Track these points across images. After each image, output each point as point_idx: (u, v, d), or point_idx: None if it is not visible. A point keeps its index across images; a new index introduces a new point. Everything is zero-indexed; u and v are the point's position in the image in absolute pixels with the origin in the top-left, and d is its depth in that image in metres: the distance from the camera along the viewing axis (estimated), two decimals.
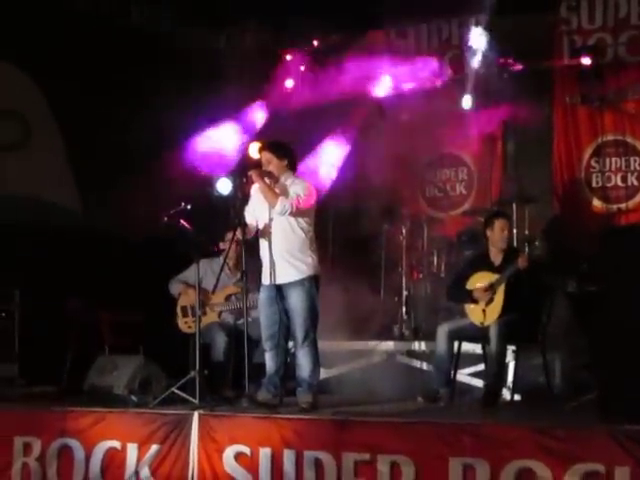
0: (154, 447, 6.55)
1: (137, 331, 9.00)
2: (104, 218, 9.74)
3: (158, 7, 10.32)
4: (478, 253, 7.93)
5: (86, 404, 7.16)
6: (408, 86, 10.12)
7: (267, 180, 7.01)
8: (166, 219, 7.62)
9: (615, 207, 9.68)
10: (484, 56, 9.71)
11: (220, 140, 10.17)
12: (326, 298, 7.40)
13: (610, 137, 9.76)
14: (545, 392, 7.46)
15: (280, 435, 6.22)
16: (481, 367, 7.81)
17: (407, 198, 10.24)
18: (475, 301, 7.38)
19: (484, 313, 7.32)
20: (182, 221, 7.59)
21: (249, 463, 6.28)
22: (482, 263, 7.54)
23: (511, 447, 5.61)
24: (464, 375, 7.96)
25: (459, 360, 7.52)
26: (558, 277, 8.27)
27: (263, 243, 7.07)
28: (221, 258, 7.70)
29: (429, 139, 9.88)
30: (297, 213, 6.93)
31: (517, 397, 7.50)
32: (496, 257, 7.53)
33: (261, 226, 7.08)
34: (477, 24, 10.30)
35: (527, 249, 7.85)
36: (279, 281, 6.96)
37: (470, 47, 9.68)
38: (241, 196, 7.21)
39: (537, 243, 7.38)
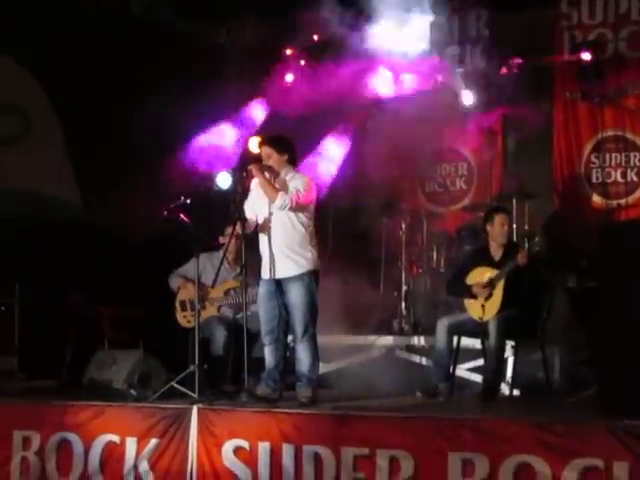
0: (153, 441, 6.55)
1: (137, 325, 9.00)
2: (104, 212, 9.73)
3: (158, 1, 10.30)
4: (478, 248, 7.93)
5: (85, 398, 7.15)
6: (408, 81, 10.08)
7: (267, 175, 7.00)
8: (166, 213, 7.60)
9: (615, 203, 9.66)
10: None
11: (219, 138, 10.16)
12: (325, 293, 7.39)
13: (610, 133, 9.74)
14: (544, 387, 7.46)
15: (279, 429, 6.23)
16: (480, 362, 7.81)
17: (407, 193, 10.24)
18: (474, 296, 7.38)
19: (483, 308, 7.32)
20: (182, 215, 7.57)
21: (248, 457, 6.28)
22: (482, 258, 7.54)
23: (510, 442, 5.61)
24: (463, 370, 7.96)
25: (458, 355, 7.51)
26: (558, 272, 8.26)
27: (263, 238, 7.07)
28: (221, 252, 7.69)
29: (429, 134, 9.86)
30: (297, 208, 6.93)
31: (516, 392, 7.50)
32: (496, 252, 7.52)
33: (261, 221, 7.07)
34: (478, 19, 10.34)
35: (527, 244, 7.83)
36: (279, 276, 6.96)
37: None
38: (241, 190, 7.20)
39: (537, 239, 7.37)
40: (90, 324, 9.07)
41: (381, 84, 10.18)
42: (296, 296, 6.89)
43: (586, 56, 9.56)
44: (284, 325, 7.03)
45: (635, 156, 9.66)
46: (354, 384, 8.12)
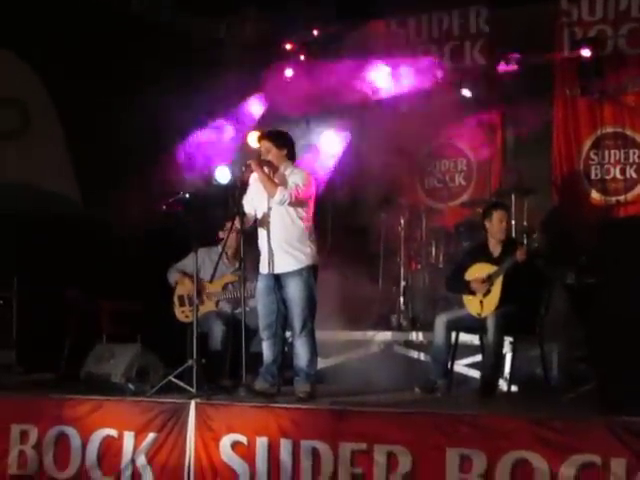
0: (151, 435, 6.55)
1: (135, 320, 8.99)
2: (103, 207, 9.71)
3: None
4: (477, 244, 7.91)
5: (83, 392, 7.15)
6: (407, 77, 10.06)
7: (266, 169, 6.98)
8: (164, 208, 7.58)
9: (614, 199, 9.65)
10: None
11: (217, 134, 10.15)
12: (324, 288, 7.38)
13: (609, 129, 9.72)
14: (542, 383, 7.45)
15: (277, 424, 6.22)
16: (478, 358, 7.80)
17: (406, 189, 10.23)
18: (473, 292, 7.37)
19: (481, 304, 7.30)
20: (180, 210, 7.56)
21: (246, 452, 6.28)
22: (481, 254, 7.52)
23: (508, 438, 5.60)
24: (461, 366, 7.93)
25: (457, 351, 7.50)
26: (556, 269, 8.24)
27: (261, 232, 7.05)
28: (219, 247, 7.68)
29: (428, 130, 9.85)
30: (296, 203, 6.91)
31: (514, 388, 7.48)
32: (495, 248, 7.51)
33: (260, 216, 7.05)
34: (478, 15, 10.32)
35: (526, 241, 7.82)
36: (277, 270, 6.94)
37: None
38: (240, 185, 7.18)
39: (535, 235, 7.35)
40: (88, 318, 9.07)
41: (380, 80, 10.15)
42: (295, 291, 6.87)
43: (586, 53, 9.53)
44: (282, 320, 7.01)
45: (634, 153, 9.64)
46: (352, 379, 8.11)
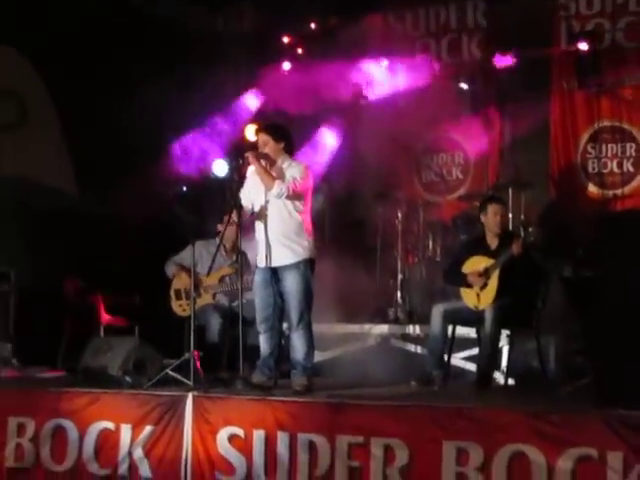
0: (148, 428, 6.54)
1: (133, 312, 8.98)
2: (101, 200, 9.70)
3: None
4: (474, 237, 7.90)
5: (80, 385, 7.13)
6: (404, 71, 10.05)
7: (264, 163, 6.96)
8: (163, 200, 7.57)
9: (611, 193, 9.63)
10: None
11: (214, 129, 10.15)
12: (321, 281, 7.37)
13: (607, 123, 9.70)
14: (539, 377, 7.43)
15: (274, 417, 6.21)
16: (475, 351, 7.78)
17: (403, 182, 10.22)
18: (470, 285, 7.36)
19: (478, 297, 7.29)
20: (178, 203, 7.55)
21: (243, 445, 6.26)
22: (478, 247, 7.51)
23: (505, 431, 5.59)
24: (458, 359, 7.93)
25: (453, 343, 7.49)
26: (553, 262, 8.23)
27: (259, 226, 7.03)
28: (217, 240, 7.66)
29: (426, 123, 9.84)
30: (293, 196, 6.88)
31: (511, 381, 7.47)
32: (492, 241, 7.49)
33: (257, 209, 7.03)
34: (475, 9, 10.30)
35: (523, 234, 7.80)
36: (275, 264, 6.93)
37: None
38: (237, 178, 7.15)
39: (532, 229, 7.34)
40: (86, 311, 9.04)
41: (377, 73, 10.13)
42: (292, 284, 6.86)
43: (583, 46, 9.51)
44: (279, 313, 7.00)
45: (631, 146, 9.62)
46: (349, 372, 8.10)
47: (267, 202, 6.94)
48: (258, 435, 6.22)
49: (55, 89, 10.20)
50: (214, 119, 10.25)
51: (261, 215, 6.98)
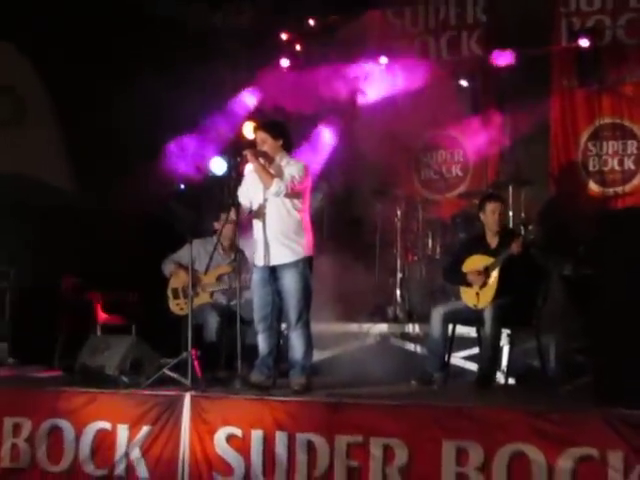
0: (145, 428, 6.52)
1: (130, 311, 8.97)
2: (98, 197, 9.69)
3: None
4: (474, 235, 7.89)
5: (77, 384, 7.11)
6: (403, 68, 10.03)
7: (262, 160, 6.93)
8: (160, 198, 7.56)
9: (612, 191, 9.63)
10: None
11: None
12: (320, 280, 7.35)
13: (607, 120, 9.70)
14: (539, 376, 7.43)
15: (272, 417, 6.20)
16: (475, 350, 7.77)
17: (402, 179, 10.21)
18: (470, 284, 7.34)
19: (478, 296, 7.28)
20: (175, 200, 7.54)
21: (241, 445, 6.25)
22: (478, 245, 7.49)
23: (505, 430, 5.59)
24: (458, 358, 7.92)
25: (453, 343, 7.48)
26: (554, 260, 8.22)
27: (257, 224, 7.01)
28: (215, 238, 7.65)
29: (424, 120, 9.82)
30: (292, 194, 6.87)
31: (511, 380, 7.47)
32: (492, 240, 7.48)
33: (255, 207, 7.01)
34: (475, 5, 10.29)
35: (523, 232, 7.79)
36: (273, 262, 6.91)
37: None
38: (235, 176, 7.14)
39: (531, 227, 7.32)
40: (83, 309, 9.03)
41: (375, 70, 10.12)
42: (290, 283, 6.84)
43: (584, 43, 9.52)
44: (278, 312, 6.98)
45: (632, 144, 9.64)
46: (348, 372, 8.08)
47: (265, 200, 6.92)
48: (256, 435, 6.21)
49: (53, 86, 10.19)
50: (212, 117, 10.22)
51: (259, 213, 6.96)
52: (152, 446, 6.48)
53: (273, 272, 6.93)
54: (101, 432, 6.64)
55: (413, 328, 8.45)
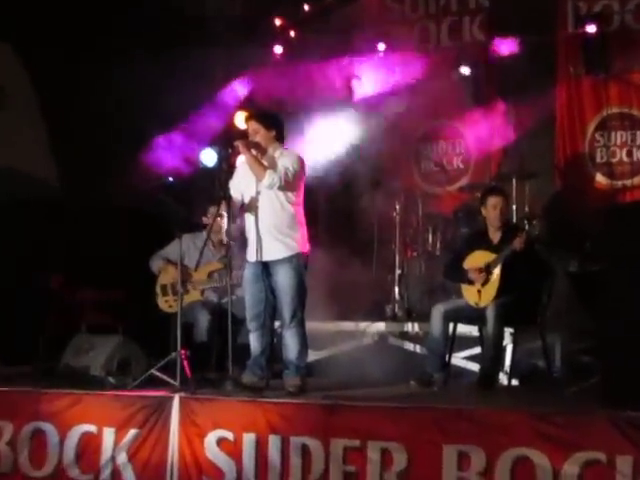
0: (132, 431, 6.53)
1: (116, 309, 8.95)
2: (83, 191, 9.68)
3: None
4: (476, 231, 7.90)
5: (61, 386, 7.10)
6: (401, 55, 10.03)
7: (254, 152, 6.93)
8: (148, 192, 7.55)
9: (620, 183, 9.63)
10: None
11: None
12: (315, 276, 7.35)
13: (615, 110, 9.69)
14: (544, 376, 7.45)
15: (265, 420, 6.20)
16: (477, 350, 7.79)
17: (401, 172, 10.20)
18: (471, 281, 7.35)
19: (479, 294, 7.29)
20: (164, 194, 7.53)
21: (232, 449, 6.26)
22: (480, 241, 7.50)
23: (508, 434, 5.60)
24: (459, 359, 7.93)
25: (454, 342, 7.48)
26: (559, 256, 8.23)
27: (249, 218, 7.01)
28: (204, 233, 7.65)
29: (424, 110, 9.82)
30: (286, 187, 6.86)
31: (515, 382, 7.49)
32: (494, 235, 7.49)
33: (247, 200, 7.01)
34: None
35: (526, 227, 7.79)
36: (266, 258, 6.91)
37: None
38: (226, 168, 7.13)
39: (535, 222, 7.31)
40: (67, 307, 9.02)
41: (373, 57, 10.12)
42: (284, 279, 6.84)
43: (591, 29, 9.50)
44: (271, 310, 6.98)
45: None
46: (344, 372, 8.09)
47: (258, 193, 6.92)
48: (248, 438, 6.21)
49: (36, 75, 10.17)
50: (203, 106, 10.21)
51: (251, 207, 6.96)
52: (139, 450, 6.49)
53: (266, 268, 6.93)
54: (86, 435, 6.65)
55: (412, 327, 8.46)
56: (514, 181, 8.97)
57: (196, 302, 7.90)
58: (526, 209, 8.98)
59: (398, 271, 9.07)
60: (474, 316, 7.35)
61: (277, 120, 7.16)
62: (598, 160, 9.78)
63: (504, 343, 7.40)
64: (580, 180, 9.82)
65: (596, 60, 9.59)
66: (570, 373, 7.71)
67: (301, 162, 7.01)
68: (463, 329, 7.62)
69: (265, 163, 6.90)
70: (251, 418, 6.25)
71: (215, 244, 8.01)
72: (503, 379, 7.48)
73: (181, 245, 7.47)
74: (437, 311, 7.36)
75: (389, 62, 10.13)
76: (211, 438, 6.32)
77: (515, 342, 7.45)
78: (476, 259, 7.38)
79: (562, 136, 9.93)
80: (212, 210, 7.44)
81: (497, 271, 7.22)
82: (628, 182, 9.58)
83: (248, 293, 7.02)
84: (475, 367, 7.76)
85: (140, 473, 6.48)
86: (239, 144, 6.92)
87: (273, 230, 6.90)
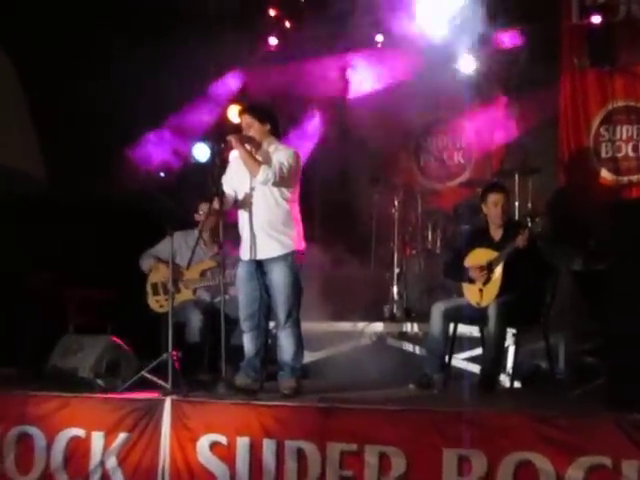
0: (122, 436, 6.53)
1: (105, 309, 8.96)
2: (71, 187, 9.67)
3: None
4: (477, 228, 7.91)
5: (48, 388, 7.10)
6: (400, 45, 10.02)
7: (248, 146, 6.93)
8: (138, 188, 7.55)
9: (626, 179, 9.62)
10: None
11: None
12: (311, 275, 7.35)
13: (621, 103, 9.69)
14: (547, 378, 7.45)
15: (260, 423, 6.20)
16: (478, 351, 7.80)
17: (400, 166, 10.20)
18: (472, 280, 7.35)
19: (481, 293, 7.29)
20: (156, 190, 7.53)
21: (225, 453, 6.27)
22: (482, 239, 7.50)
23: (510, 437, 5.60)
24: (460, 360, 7.94)
25: (454, 343, 7.48)
26: (563, 254, 8.23)
27: (243, 215, 7.02)
28: (196, 231, 7.64)
29: (424, 103, 9.82)
30: (280, 183, 6.86)
31: (517, 384, 7.49)
32: (496, 232, 7.49)
33: (241, 197, 7.01)
34: None
35: (529, 224, 7.80)
36: (260, 256, 6.91)
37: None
38: (219, 163, 7.13)
39: (538, 219, 7.32)
40: (55, 307, 9.01)
41: (371, 48, 10.12)
42: (279, 278, 6.84)
43: (596, 19, 9.50)
44: (265, 310, 6.98)
45: None
46: (341, 374, 8.11)
47: (252, 189, 6.93)
48: (242, 442, 6.22)
49: (22, 68, 10.15)
50: (194, 100, 10.21)
51: (245, 203, 6.96)
52: (129, 455, 6.49)
53: (260, 266, 6.94)
54: (74, 440, 6.65)
55: (411, 327, 8.47)
56: (516, 177, 8.98)
57: (188, 301, 7.90)
58: (529, 205, 8.99)
59: (397, 269, 9.07)
60: (475, 316, 7.35)
61: (271, 114, 7.17)
62: (603, 155, 9.78)
63: (506, 344, 7.41)
64: (584, 176, 9.82)
65: (601, 52, 9.59)
66: (574, 374, 7.72)
67: (297, 157, 7.01)
68: (464, 329, 7.63)
69: (259, 158, 6.90)
70: (245, 421, 6.25)
71: (207, 242, 8.01)
72: (505, 381, 7.49)
73: (172, 243, 7.47)
74: (437, 309, 7.36)
75: (387, 54, 10.12)
76: (204, 442, 6.32)
77: (517, 343, 7.44)
78: (477, 257, 7.39)
79: (566, 130, 9.92)
80: (203, 207, 7.43)
81: (499, 269, 7.22)
82: (634, 178, 9.57)
83: (242, 292, 7.02)
84: (476, 368, 7.77)
85: (130, 479, 6.48)
86: (232, 138, 6.92)
87: (267, 227, 6.90)
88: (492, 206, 7.44)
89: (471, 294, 7.37)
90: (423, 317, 8.06)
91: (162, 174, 9.81)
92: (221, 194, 6.95)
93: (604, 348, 6.40)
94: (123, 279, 8.51)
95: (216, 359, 7.09)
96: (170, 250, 7.44)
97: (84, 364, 7.39)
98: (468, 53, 9.77)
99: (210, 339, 7.52)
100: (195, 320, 7.70)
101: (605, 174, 9.74)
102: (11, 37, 9.82)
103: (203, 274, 7.92)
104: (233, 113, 9.28)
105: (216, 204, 6.95)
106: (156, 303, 8.05)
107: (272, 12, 10.77)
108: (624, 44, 9.55)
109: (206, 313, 7.68)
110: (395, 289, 8.99)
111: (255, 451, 6.18)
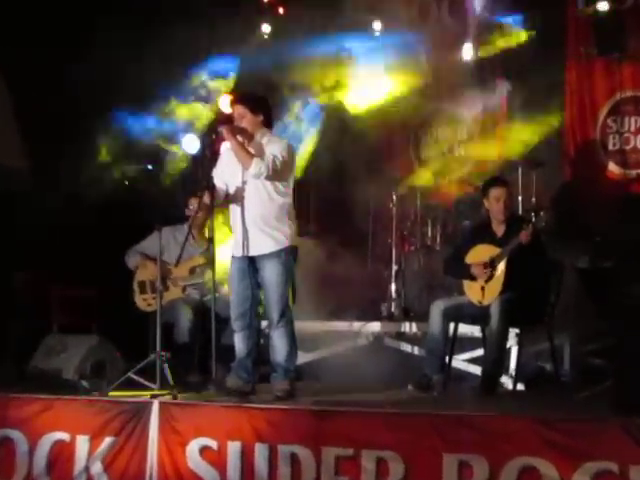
0: (108, 439, 6.52)
1: (90, 308, 8.95)
2: (54, 181, 9.66)
3: None
4: (479, 223, 7.91)
5: (30, 390, 7.08)
6: (399, 33, 10.04)
7: (240, 138, 6.93)
8: (126, 182, 7.55)
9: (634, 172, 9.64)
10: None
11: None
12: (305, 272, 7.36)
13: (629, 93, 9.72)
14: (552, 380, 7.47)
15: (252, 427, 6.20)
16: (479, 352, 7.81)
17: (398, 160, 10.20)
18: (474, 277, 7.36)
19: (483, 291, 7.30)
20: (142, 183, 7.53)
21: (216, 458, 6.26)
22: (483, 234, 7.51)
23: (513, 442, 5.60)
24: (460, 361, 7.95)
25: (455, 343, 7.49)
26: (568, 251, 8.25)
27: (235, 210, 7.01)
28: (186, 226, 7.64)
29: (424, 93, 9.83)
30: (274, 176, 6.85)
31: (520, 386, 7.50)
32: (498, 228, 7.50)
33: (232, 190, 7.00)
34: None
35: (533, 219, 7.81)
36: (253, 252, 6.91)
37: None
38: (210, 155, 7.13)
39: (543, 214, 7.33)
40: (37, 306, 9.01)
41: (368, 36, 10.14)
42: (272, 275, 6.84)
43: (603, 6, 9.51)
44: (257, 308, 6.98)
45: None
46: (337, 376, 8.12)
47: (244, 183, 6.92)
48: (233, 447, 6.21)
49: (5, 61, 10.15)
50: (185, 89, 10.22)
51: (237, 197, 6.96)
52: (116, 460, 6.48)
53: (252, 263, 6.93)
54: (58, 444, 6.64)
55: (410, 327, 8.48)
56: (520, 170, 8.99)
57: (177, 300, 7.91)
58: (533, 200, 9.00)
59: (395, 267, 9.09)
60: (477, 315, 7.36)
61: (265, 104, 7.16)
62: (610, 147, 9.81)
63: (509, 345, 7.42)
64: (591, 169, 9.84)
65: (609, 40, 9.60)
66: (580, 377, 7.75)
67: (290, 150, 7.01)
68: (464, 329, 7.63)
69: (252, 150, 6.89)
70: (236, 425, 6.24)
71: (197, 238, 8.01)
72: (508, 383, 7.51)
73: (160, 238, 7.46)
74: (437, 308, 7.37)
75: (385, 42, 10.14)
76: (193, 446, 6.31)
77: (521, 343, 7.46)
78: (479, 253, 7.39)
79: (572, 122, 9.96)
80: (192, 201, 7.43)
81: (502, 266, 7.23)
82: None
83: (233, 290, 7.01)
84: (477, 370, 7.78)
85: None
86: (223, 130, 6.91)
87: (260, 223, 6.90)
88: (494, 201, 7.45)
89: (472, 292, 7.37)
90: (422, 316, 8.07)
91: (150, 166, 9.81)
92: (212, 188, 6.96)
93: (611, 349, 6.41)
94: (108, 277, 8.51)
95: (206, 360, 7.10)
96: (158, 246, 7.44)
97: (68, 365, 7.41)
98: (470, 40, 9.80)
99: (200, 339, 7.54)
100: (184, 319, 7.72)
101: (612, 167, 9.77)
102: None
103: (192, 271, 7.93)
104: (224, 103, 9.27)
105: (206, 198, 6.95)
106: (143, 302, 8.05)
107: None
108: (633, 32, 9.56)
109: (196, 312, 7.70)
110: (393, 287, 9.01)
111: (247, 456, 6.17)
